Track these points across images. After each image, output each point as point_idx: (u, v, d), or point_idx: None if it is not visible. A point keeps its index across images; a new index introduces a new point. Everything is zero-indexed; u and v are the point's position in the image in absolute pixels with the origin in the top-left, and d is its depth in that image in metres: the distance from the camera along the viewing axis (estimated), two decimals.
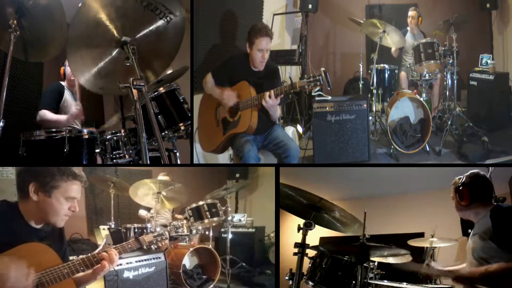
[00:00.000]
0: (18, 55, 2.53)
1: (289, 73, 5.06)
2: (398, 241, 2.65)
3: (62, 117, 3.39)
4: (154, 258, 3.10)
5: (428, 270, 2.25)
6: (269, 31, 3.05)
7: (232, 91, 3.10)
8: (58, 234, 1.87)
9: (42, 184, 1.74)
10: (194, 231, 3.70)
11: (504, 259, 1.83)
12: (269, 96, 2.88)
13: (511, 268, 1.79)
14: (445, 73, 4.15)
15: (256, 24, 3.13)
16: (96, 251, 1.87)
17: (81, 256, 1.78)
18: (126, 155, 3.17)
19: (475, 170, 2.09)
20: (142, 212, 4.15)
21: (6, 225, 1.72)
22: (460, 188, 2.05)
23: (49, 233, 1.82)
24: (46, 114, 3.36)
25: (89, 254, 1.81)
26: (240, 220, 4.22)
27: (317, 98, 3.69)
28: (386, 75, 4.50)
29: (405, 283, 2.26)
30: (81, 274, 1.76)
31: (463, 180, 2.07)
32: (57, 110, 3.45)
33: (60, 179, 1.76)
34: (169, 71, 3.36)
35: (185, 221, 3.71)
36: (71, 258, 1.85)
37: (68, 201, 1.78)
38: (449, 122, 3.98)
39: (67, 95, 3.55)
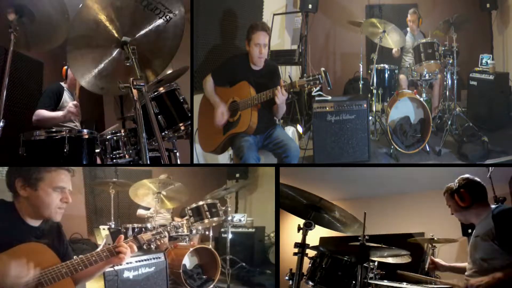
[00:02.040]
0: (20, 48, 2.53)
1: (289, 73, 5.06)
2: (398, 241, 2.65)
3: (58, 113, 3.36)
4: (154, 258, 3.11)
5: (433, 268, 2.26)
6: (265, 26, 3.07)
7: (225, 107, 3.11)
8: (57, 232, 1.87)
9: (27, 178, 1.75)
10: (194, 231, 3.70)
11: (507, 261, 1.83)
12: (281, 92, 2.85)
13: None
14: (445, 73, 4.14)
15: (254, 22, 3.16)
16: (96, 251, 1.87)
17: (98, 249, 1.80)
18: (126, 155, 3.17)
19: (464, 176, 2.12)
20: (141, 211, 4.15)
21: (4, 224, 1.72)
22: (461, 190, 2.06)
23: (47, 231, 1.82)
24: (42, 112, 3.33)
25: (110, 245, 1.83)
26: (240, 220, 4.22)
27: (317, 98, 3.69)
28: (386, 75, 4.50)
29: (405, 283, 2.26)
30: (91, 267, 1.77)
31: (458, 183, 2.09)
32: (55, 111, 3.44)
33: (43, 170, 1.76)
34: (169, 71, 3.36)
35: (185, 221, 3.71)
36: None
37: (56, 192, 1.77)
38: (449, 122, 3.98)
39: (66, 96, 3.53)
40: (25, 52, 2.63)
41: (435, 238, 2.98)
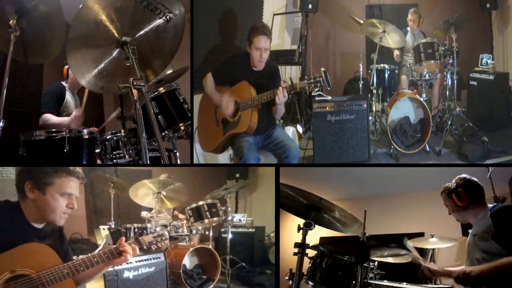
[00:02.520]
0: (18, 56, 2.54)
1: (289, 73, 5.06)
2: (398, 241, 2.65)
3: (64, 120, 3.38)
4: (154, 258, 3.11)
5: (429, 272, 2.25)
6: (267, 30, 3.04)
7: (231, 97, 3.09)
8: (59, 234, 1.87)
9: (37, 181, 1.75)
10: (194, 231, 3.70)
11: None
12: (282, 93, 2.83)
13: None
14: (445, 73, 4.15)
15: (256, 23, 3.14)
16: (96, 251, 1.87)
17: (97, 250, 1.80)
18: (126, 155, 3.17)
19: (462, 175, 2.13)
20: (144, 214, 4.16)
21: (8, 224, 1.73)
22: (458, 189, 2.07)
23: (50, 233, 1.83)
24: (49, 118, 3.36)
25: (112, 247, 1.83)
26: (240, 220, 4.22)
27: (317, 98, 3.69)
28: (386, 75, 4.50)
29: (405, 283, 2.27)
30: (93, 268, 1.77)
31: (456, 183, 2.09)
32: (59, 112, 3.46)
33: (54, 175, 1.76)
34: (169, 71, 3.36)
35: (185, 221, 3.71)
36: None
37: (64, 197, 1.77)
38: (449, 122, 3.98)
39: (68, 96, 3.54)
40: (22, 60, 2.62)
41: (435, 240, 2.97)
